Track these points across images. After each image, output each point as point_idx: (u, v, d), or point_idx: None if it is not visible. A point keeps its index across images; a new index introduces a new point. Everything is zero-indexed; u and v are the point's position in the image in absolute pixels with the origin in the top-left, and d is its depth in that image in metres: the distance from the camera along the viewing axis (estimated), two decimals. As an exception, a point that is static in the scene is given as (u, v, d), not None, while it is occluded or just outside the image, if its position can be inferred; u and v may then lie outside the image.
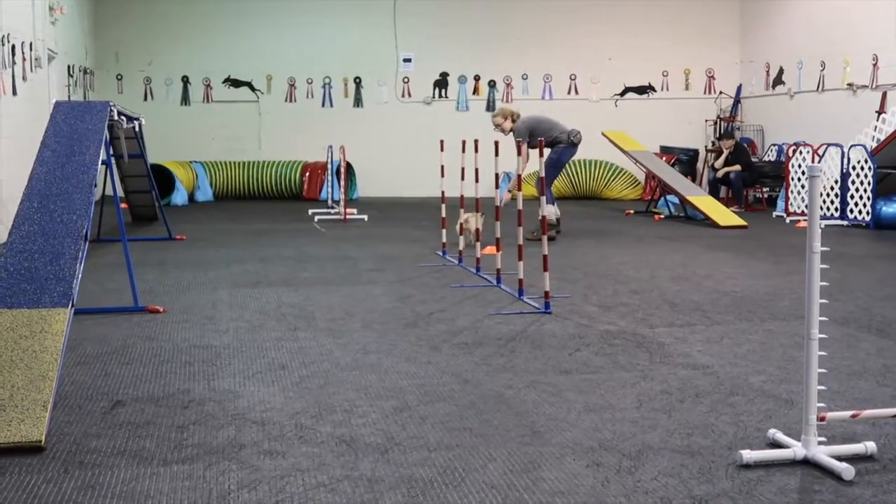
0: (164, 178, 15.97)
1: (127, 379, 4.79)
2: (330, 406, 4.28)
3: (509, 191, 10.55)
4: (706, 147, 18.67)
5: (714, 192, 15.49)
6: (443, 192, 9.55)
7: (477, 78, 19.03)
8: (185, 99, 18.46)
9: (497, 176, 7.96)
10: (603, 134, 15.59)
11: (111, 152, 8.11)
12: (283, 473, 3.43)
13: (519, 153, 8.96)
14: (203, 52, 18.34)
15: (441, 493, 3.25)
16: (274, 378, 4.79)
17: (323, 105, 18.76)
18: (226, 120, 18.40)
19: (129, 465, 3.52)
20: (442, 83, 19.00)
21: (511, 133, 10.77)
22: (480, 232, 8.70)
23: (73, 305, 4.72)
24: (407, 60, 18.87)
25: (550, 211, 10.32)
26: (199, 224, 12.90)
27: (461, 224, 9.21)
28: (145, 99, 18.23)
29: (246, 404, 4.32)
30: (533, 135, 10.56)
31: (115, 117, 8.21)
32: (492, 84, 19.03)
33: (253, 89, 18.58)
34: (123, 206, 11.96)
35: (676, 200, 14.25)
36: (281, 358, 5.23)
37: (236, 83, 18.52)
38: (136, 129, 10.59)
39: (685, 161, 17.80)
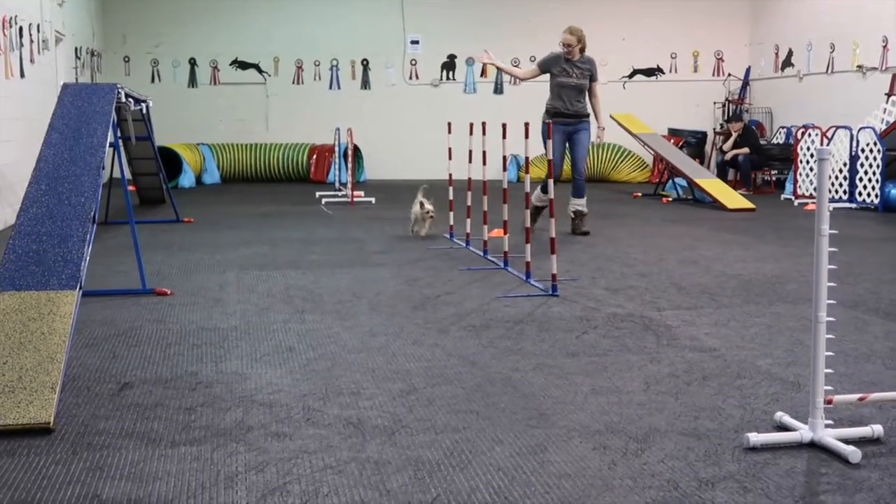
0: (171, 161, 15.98)
1: (135, 361, 4.80)
2: (337, 388, 4.29)
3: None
4: (714, 129, 18.63)
5: (722, 174, 15.46)
6: (450, 175, 9.54)
7: (484, 60, 18.94)
8: (193, 81, 18.45)
9: (505, 158, 7.95)
10: (611, 116, 15.52)
11: (119, 135, 8.11)
12: (290, 455, 3.44)
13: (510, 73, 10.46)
14: (210, 34, 18.32)
15: (448, 476, 3.25)
16: (281, 360, 4.80)
17: (330, 87, 18.74)
18: (233, 102, 18.40)
19: (138, 447, 3.54)
20: (449, 65, 18.96)
21: (567, 53, 9.77)
22: (430, 213, 9.40)
23: (80, 288, 4.73)
24: (415, 42, 18.83)
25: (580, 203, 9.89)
26: (207, 206, 12.91)
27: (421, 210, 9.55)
28: (152, 81, 18.22)
29: (253, 386, 4.33)
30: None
31: (123, 99, 8.21)
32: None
33: (260, 71, 18.57)
34: (131, 188, 12.00)
35: (684, 183, 14.24)
36: (288, 340, 5.24)
37: (243, 65, 18.50)
38: (144, 111, 10.58)
39: (693, 143, 17.77)
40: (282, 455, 3.44)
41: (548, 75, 9.85)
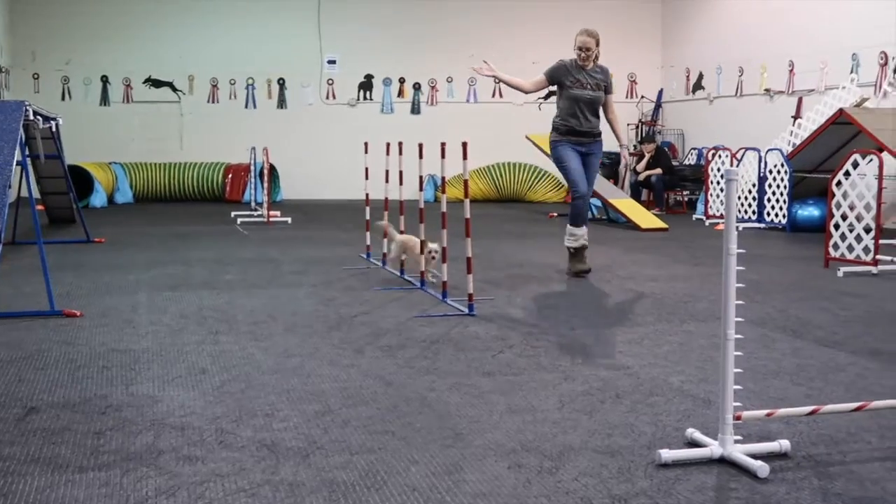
0: (82, 180, 15.67)
1: (41, 385, 4.68)
2: (251, 410, 4.23)
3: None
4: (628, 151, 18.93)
5: (636, 195, 15.71)
6: (367, 195, 9.51)
7: (402, 80, 19.03)
8: (105, 99, 18.16)
9: (421, 178, 7.96)
10: (527, 137, 15.73)
11: (27, 153, 7.92)
12: (202, 479, 3.37)
13: (514, 85, 8.41)
14: (123, 52, 18.04)
15: (362, 497, 3.23)
16: (194, 382, 4.72)
17: (246, 106, 18.60)
18: (146, 121, 18.14)
19: (44, 473, 3.44)
20: (367, 85, 18.96)
21: (582, 58, 8.41)
22: (433, 253, 7.69)
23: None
24: (332, 62, 18.79)
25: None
26: (119, 226, 12.68)
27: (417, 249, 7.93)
28: (63, 99, 17.88)
29: (165, 409, 4.24)
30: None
31: (31, 117, 8.04)
32: (416, 87, 19.06)
33: (174, 90, 18.34)
34: (40, 207, 11.74)
35: (599, 203, 14.42)
36: (201, 362, 5.15)
37: (157, 83, 18.26)
38: (53, 129, 10.38)
39: (607, 164, 18.01)
40: (193, 479, 3.38)
41: (541, 82, 8.62)
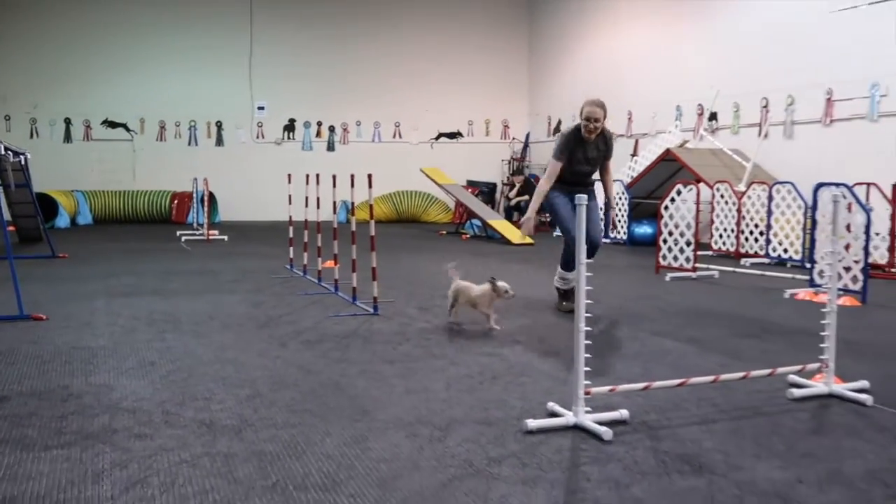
0: (48, 205, 15.13)
1: (11, 377, 4.49)
2: (193, 395, 4.14)
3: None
4: (502, 181, 19.15)
5: (508, 216, 15.88)
6: (290, 217, 9.42)
7: (319, 123, 18.90)
8: (68, 137, 17.55)
9: (335, 204, 7.92)
10: (421, 170, 15.77)
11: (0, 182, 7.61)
12: (151, 453, 3.29)
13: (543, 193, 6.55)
14: (83, 97, 17.48)
15: (286, 464, 3.19)
16: (144, 373, 4.60)
17: (189, 144, 18.20)
18: (104, 156, 17.62)
19: (13, 451, 3.30)
20: (290, 127, 18.76)
21: (589, 133, 6.57)
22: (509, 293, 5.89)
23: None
24: (261, 108, 18.54)
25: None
26: (80, 244, 12.25)
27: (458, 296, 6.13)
28: (31, 137, 17.22)
29: (119, 396, 4.12)
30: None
31: (2, 152, 7.73)
32: (331, 129, 18.95)
33: (128, 130, 17.84)
34: (11, 228, 11.26)
35: (479, 223, 14.55)
36: (151, 356, 5.02)
37: (113, 124, 17.74)
38: (23, 162, 9.99)
39: (486, 192, 18.20)
40: (143, 453, 3.29)
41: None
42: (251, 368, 4.72)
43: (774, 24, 12.60)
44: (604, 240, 13.21)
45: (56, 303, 6.96)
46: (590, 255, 6.37)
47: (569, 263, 6.84)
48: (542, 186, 6.69)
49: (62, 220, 15.50)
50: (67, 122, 17.54)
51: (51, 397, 4.09)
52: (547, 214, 16.60)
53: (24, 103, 17.26)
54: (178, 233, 13.91)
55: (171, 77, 17.91)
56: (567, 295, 6.96)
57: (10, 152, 8.39)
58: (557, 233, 14.78)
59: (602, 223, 6.63)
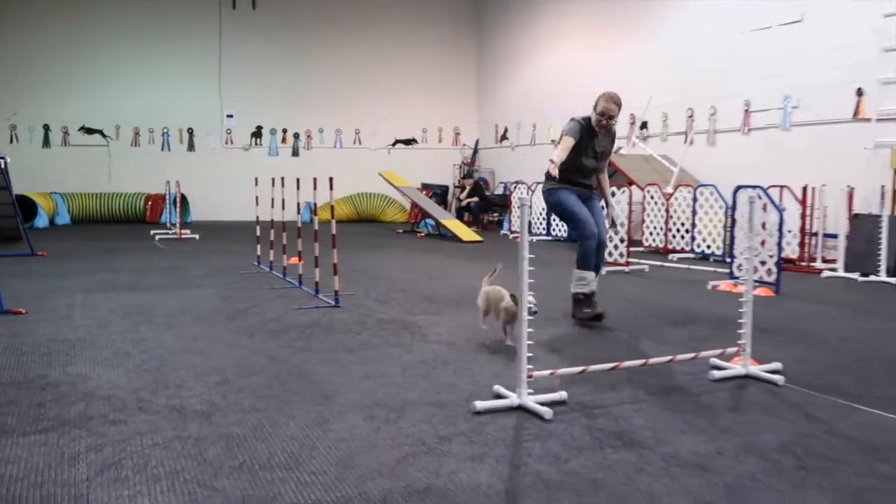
0: (27, 206, 14.75)
1: (-8, 368, 4.38)
2: (165, 383, 4.08)
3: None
4: (454, 184, 19.17)
5: (459, 216, 15.92)
6: (257, 217, 9.32)
7: (284, 130, 18.73)
8: (47, 142, 17.15)
9: (299, 205, 7.86)
10: (379, 174, 15.72)
11: (-21, 184, 7.40)
12: (125, 437, 3.23)
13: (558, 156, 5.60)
14: (62, 105, 17.10)
15: (252, 445, 3.16)
16: (119, 363, 4.51)
17: (162, 149, 17.91)
18: (81, 160, 17.24)
19: (-7, 438, 3.22)
20: (257, 134, 18.56)
21: (600, 122, 5.97)
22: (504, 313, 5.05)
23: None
24: (230, 116, 18.32)
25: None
26: (58, 242, 11.98)
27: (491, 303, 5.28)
28: (11, 142, 16.80)
29: (95, 384, 4.04)
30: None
31: (-17, 156, 7.52)
32: (296, 135, 18.79)
33: (104, 136, 17.49)
34: (-9, 228, 10.96)
35: (432, 222, 14.55)
36: (125, 347, 4.93)
37: (89, 131, 17.37)
38: (2, 166, 9.74)
39: (439, 194, 18.21)
40: (118, 437, 3.23)
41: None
42: (220, 357, 4.67)
43: (700, 43, 12.81)
44: (547, 237, 13.33)
45: (35, 297, 6.80)
46: (598, 250, 5.93)
47: (586, 258, 5.87)
48: (559, 154, 5.67)
49: (41, 221, 15.13)
50: (46, 128, 17.13)
51: (29, 386, 4.00)
52: (496, 214, 16.70)
53: (5, 110, 16.82)
54: (152, 232, 13.68)
55: (145, 86, 17.60)
56: (588, 300, 5.92)
57: (-10, 156, 8.18)
58: (503, 231, 14.85)
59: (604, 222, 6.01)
